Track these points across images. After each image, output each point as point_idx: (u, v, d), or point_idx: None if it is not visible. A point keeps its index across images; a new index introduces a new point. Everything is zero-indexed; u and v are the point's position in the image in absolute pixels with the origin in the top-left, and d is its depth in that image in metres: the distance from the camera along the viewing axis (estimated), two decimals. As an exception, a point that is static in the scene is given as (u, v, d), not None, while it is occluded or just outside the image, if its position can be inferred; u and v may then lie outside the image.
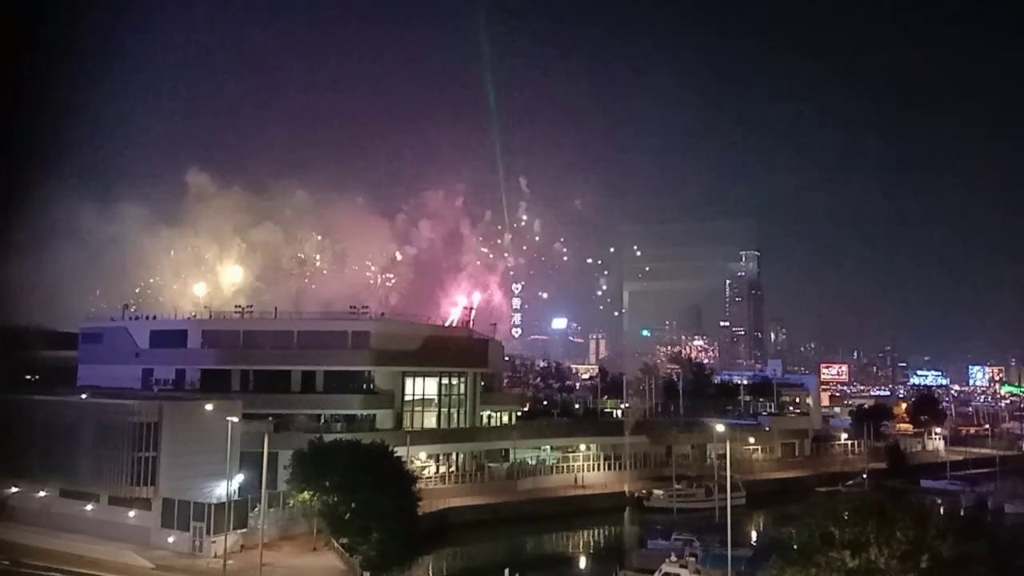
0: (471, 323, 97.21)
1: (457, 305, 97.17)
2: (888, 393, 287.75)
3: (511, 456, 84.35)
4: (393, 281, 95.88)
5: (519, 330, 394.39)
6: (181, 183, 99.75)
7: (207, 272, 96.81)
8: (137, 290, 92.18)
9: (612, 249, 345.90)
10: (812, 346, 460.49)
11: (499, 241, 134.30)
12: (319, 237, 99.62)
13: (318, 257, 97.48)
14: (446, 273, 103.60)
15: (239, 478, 54.33)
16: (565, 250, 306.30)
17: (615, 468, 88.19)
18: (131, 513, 54.28)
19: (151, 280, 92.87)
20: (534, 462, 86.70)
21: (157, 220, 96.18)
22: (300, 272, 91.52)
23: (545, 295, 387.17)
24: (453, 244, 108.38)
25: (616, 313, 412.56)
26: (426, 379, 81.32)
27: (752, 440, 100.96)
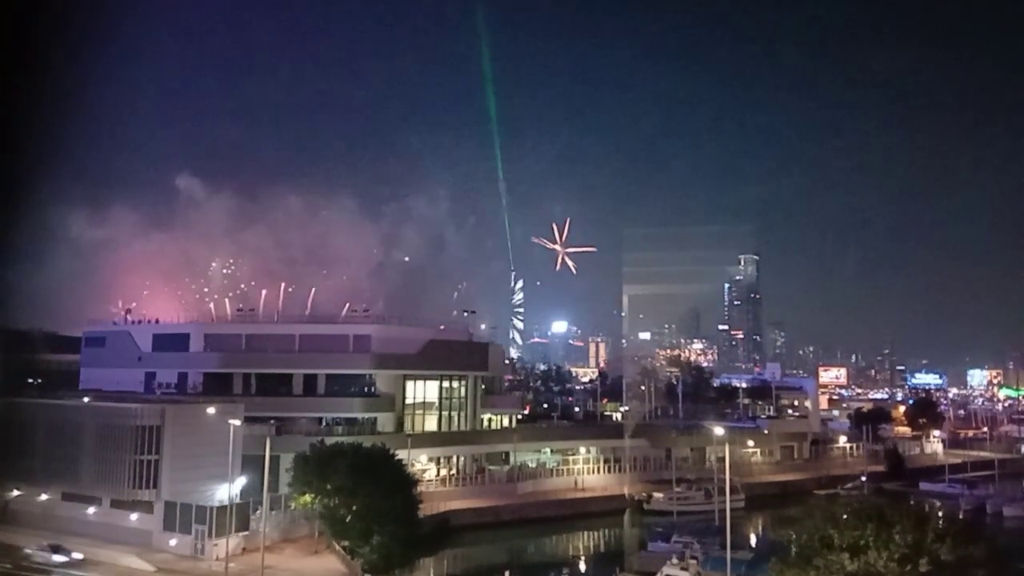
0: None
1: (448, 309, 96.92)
2: (886, 396, 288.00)
3: (511, 459, 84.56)
4: (380, 285, 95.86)
5: (518, 335, 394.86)
6: (172, 187, 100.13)
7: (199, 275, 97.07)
8: (136, 297, 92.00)
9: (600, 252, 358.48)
10: (810, 349, 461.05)
11: (486, 245, 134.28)
12: (306, 238, 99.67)
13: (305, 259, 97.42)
14: (432, 278, 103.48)
15: (241, 481, 54.53)
16: (557, 254, 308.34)
17: (615, 471, 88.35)
18: (133, 516, 54.50)
19: (145, 287, 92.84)
20: (534, 465, 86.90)
21: (150, 224, 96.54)
22: (289, 275, 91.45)
23: (543, 299, 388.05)
24: (439, 249, 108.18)
25: (616, 312, 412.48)
26: (427, 382, 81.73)
27: (751, 443, 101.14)
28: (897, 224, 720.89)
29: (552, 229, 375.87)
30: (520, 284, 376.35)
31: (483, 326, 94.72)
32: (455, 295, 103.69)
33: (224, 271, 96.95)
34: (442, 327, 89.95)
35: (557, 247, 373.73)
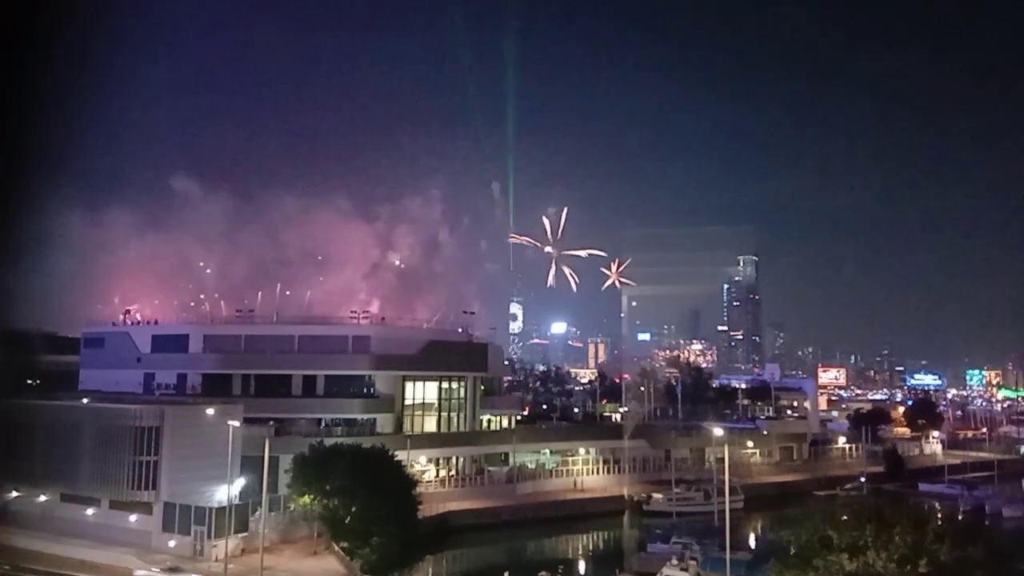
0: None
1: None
2: (886, 397, 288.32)
3: (511, 460, 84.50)
4: (375, 286, 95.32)
5: (517, 337, 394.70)
6: (170, 188, 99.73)
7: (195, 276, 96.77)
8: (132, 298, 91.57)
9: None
10: (810, 350, 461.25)
11: (486, 246, 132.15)
12: (302, 238, 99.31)
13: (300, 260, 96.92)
14: (426, 279, 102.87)
15: (240, 482, 54.43)
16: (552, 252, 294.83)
17: (614, 472, 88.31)
18: (132, 517, 54.43)
19: (143, 288, 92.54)
20: (534, 466, 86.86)
21: (148, 225, 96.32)
22: (284, 276, 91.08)
23: (542, 300, 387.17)
24: (435, 250, 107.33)
25: (605, 320, 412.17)
26: (426, 383, 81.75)
27: (750, 444, 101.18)
28: (896, 224, 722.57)
29: (544, 226, 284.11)
30: (516, 278, 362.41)
31: (478, 332, 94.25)
32: (453, 296, 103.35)
33: (221, 272, 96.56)
34: (441, 327, 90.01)
35: (549, 248, 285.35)
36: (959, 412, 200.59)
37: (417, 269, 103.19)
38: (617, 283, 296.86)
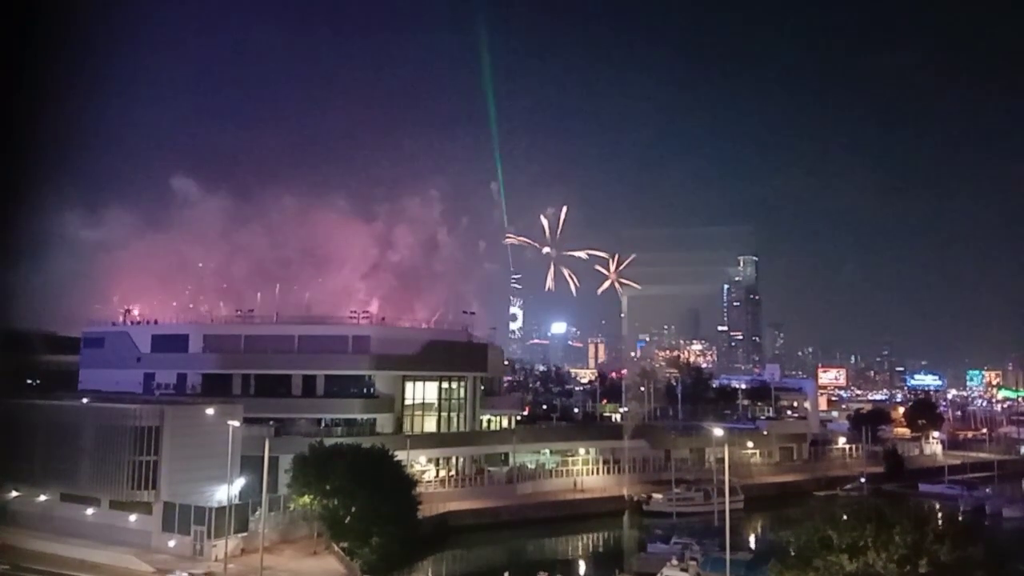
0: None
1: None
2: (886, 397, 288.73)
3: (511, 460, 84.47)
4: (374, 286, 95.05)
5: (517, 337, 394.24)
6: (169, 188, 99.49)
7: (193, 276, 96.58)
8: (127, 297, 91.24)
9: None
10: (810, 350, 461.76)
11: (485, 246, 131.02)
12: (301, 238, 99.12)
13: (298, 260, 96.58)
14: (425, 279, 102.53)
15: (240, 482, 54.43)
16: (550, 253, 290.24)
17: (614, 472, 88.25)
18: (132, 517, 54.37)
19: (143, 288, 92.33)
20: (533, 466, 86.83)
21: (148, 225, 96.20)
22: (283, 276, 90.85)
23: (541, 300, 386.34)
24: (434, 250, 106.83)
25: (604, 322, 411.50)
26: (426, 383, 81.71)
27: (750, 444, 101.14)
28: (896, 224, 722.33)
29: (542, 225, 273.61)
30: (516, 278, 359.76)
31: (478, 332, 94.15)
32: (452, 296, 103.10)
33: (221, 272, 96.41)
34: (440, 327, 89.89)
35: (548, 249, 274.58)
36: (959, 412, 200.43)
37: (416, 269, 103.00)
38: (617, 284, 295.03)
